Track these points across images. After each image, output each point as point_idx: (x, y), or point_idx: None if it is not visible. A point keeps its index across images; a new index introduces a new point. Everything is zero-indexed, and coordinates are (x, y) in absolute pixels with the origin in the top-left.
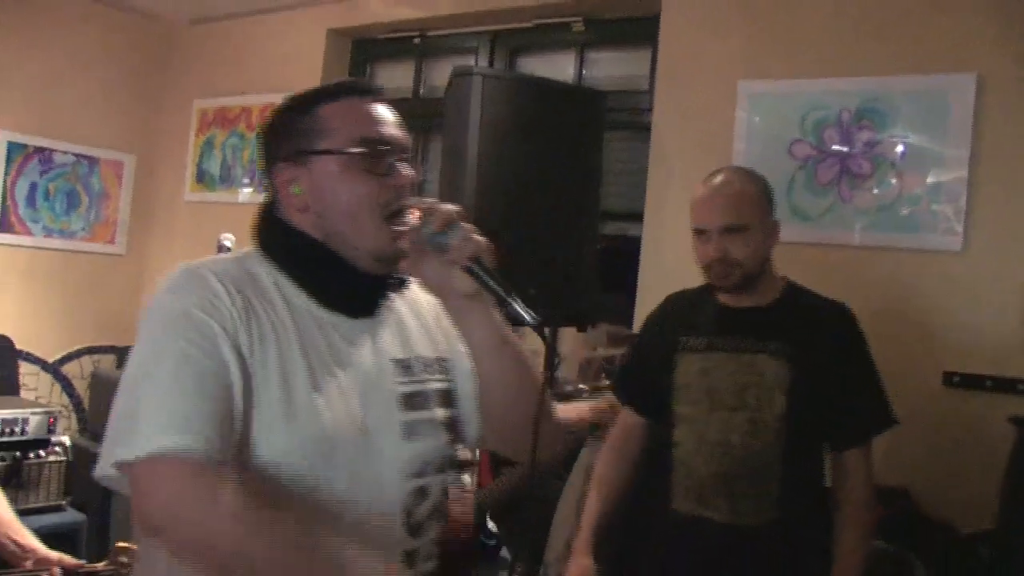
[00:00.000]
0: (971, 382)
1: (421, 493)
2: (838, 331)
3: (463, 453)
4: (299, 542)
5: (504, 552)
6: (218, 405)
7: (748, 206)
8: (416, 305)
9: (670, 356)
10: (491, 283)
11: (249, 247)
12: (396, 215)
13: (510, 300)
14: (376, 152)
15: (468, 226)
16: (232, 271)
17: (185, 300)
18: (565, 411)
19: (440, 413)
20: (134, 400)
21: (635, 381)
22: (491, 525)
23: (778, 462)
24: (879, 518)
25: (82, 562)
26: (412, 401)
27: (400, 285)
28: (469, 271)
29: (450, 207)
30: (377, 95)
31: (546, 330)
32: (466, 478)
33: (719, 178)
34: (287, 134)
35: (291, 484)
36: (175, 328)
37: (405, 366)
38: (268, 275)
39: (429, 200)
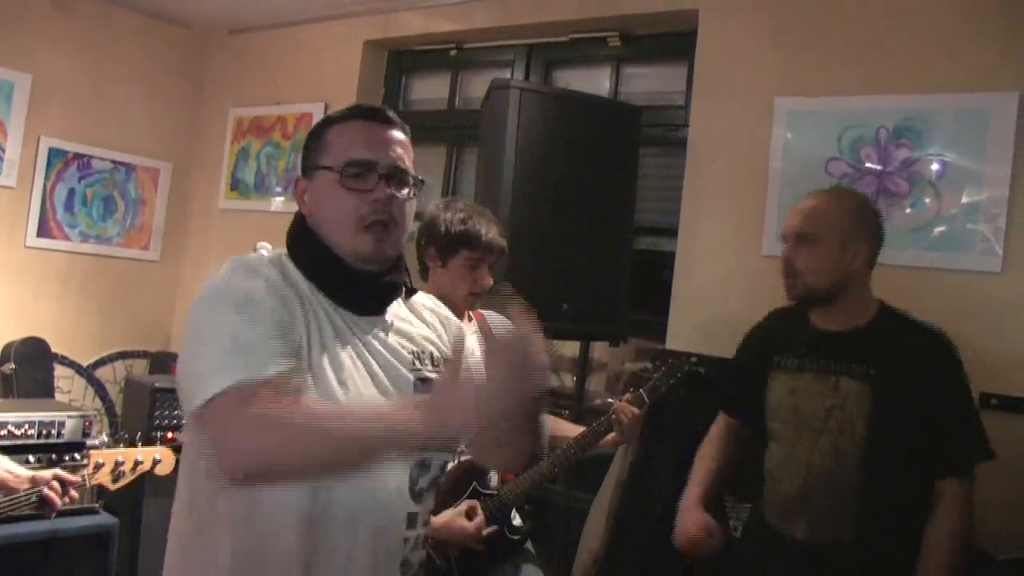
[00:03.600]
0: (1010, 405)
1: (423, 465)
2: (929, 357)
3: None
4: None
5: (528, 545)
6: (280, 357)
7: (824, 219)
8: (421, 311)
9: (764, 374)
10: None
11: (280, 250)
12: (372, 225)
13: None
14: (360, 171)
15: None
16: (275, 268)
17: (245, 283)
18: (566, 429)
19: None
20: (218, 346)
21: (733, 390)
22: (516, 520)
23: (857, 486)
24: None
25: (77, 479)
26: (423, 386)
27: (408, 293)
28: None
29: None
30: (382, 119)
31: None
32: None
33: (812, 194)
34: (306, 151)
35: None
36: (247, 298)
37: (417, 357)
38: (301, 278)
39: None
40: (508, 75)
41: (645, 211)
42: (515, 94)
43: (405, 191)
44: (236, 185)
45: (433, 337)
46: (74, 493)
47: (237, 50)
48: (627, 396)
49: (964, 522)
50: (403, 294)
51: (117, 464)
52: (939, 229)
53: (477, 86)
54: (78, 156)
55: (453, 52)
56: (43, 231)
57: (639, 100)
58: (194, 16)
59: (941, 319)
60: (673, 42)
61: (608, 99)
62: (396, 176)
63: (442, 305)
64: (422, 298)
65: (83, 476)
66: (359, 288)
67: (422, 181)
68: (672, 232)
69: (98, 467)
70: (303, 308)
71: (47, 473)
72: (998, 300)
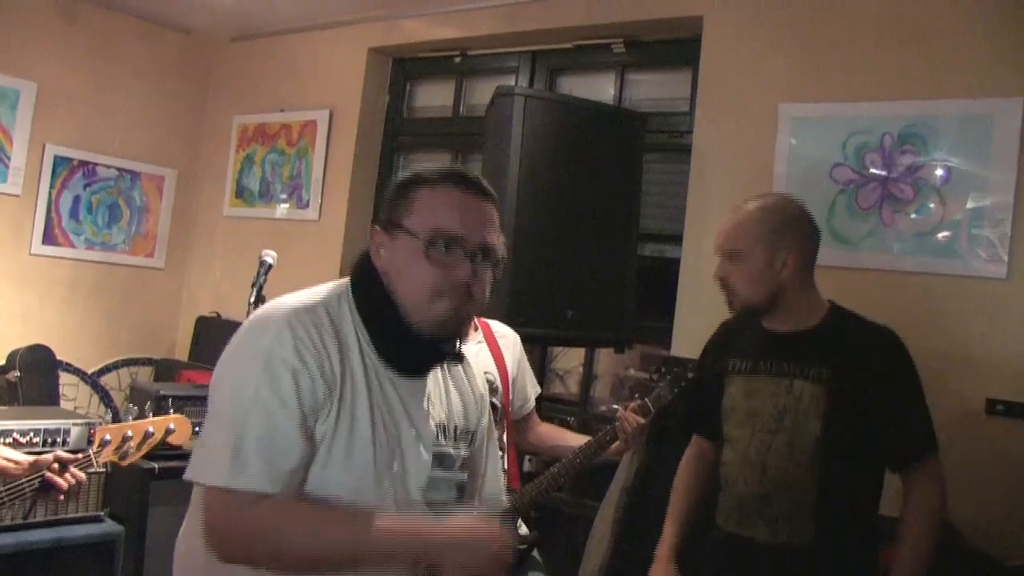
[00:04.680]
0: (1015, 410)
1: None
2: (881, 356)
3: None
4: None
5: (535, 554)
6: (294, 451)
7: (745, 237)
8: (464, 379)
9: (720, 379)
10: None
11: (344, 283)
12: (445, 298)
13: None
14: (443, 245)
15: None
16: (320, 319)
17: (280, 346)
18: (571, 439)
19: (459, 476)
20: (232, 435)
21: (695, 408)
22: (522, 529)
23: (814, 484)
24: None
25: (78, 457)
26: (442, 461)
27: (456, 358)
28: None
29: None
30: (476, 190)
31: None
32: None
33: (737, 208)
34: (390, 203)
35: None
36: (271, 372)
37: (443, 429)
38: (351, 324)
39: None
40: (512, 82)
41: (650, 218)
42: (519, 101)
43: (490, 270)
44: (241, 192)
45: (464, 411)
46: (81, 474)
47: (241, 57)
48: (632, 405)
49: (933, 517)
50: (454, 358)
51: (125, 439)
52: (944, 235)
53: (481, 93)
54: (83, 163)
55: (457, 59)
56: (48, 239)
57: (643, 107)
58: (197, 23)
59: (946, 325)
60: (678, 49)
61: (612, 106)
62: (483, 255)
63: (497, 375)
64: (472, 366)
65: (89, 454)
66: (412, 351)
67: (505, 258)
68: (677, 239)
69: (104, 444)
70: (341, 362)
71: (48, 456)
72: (1003, 306)
